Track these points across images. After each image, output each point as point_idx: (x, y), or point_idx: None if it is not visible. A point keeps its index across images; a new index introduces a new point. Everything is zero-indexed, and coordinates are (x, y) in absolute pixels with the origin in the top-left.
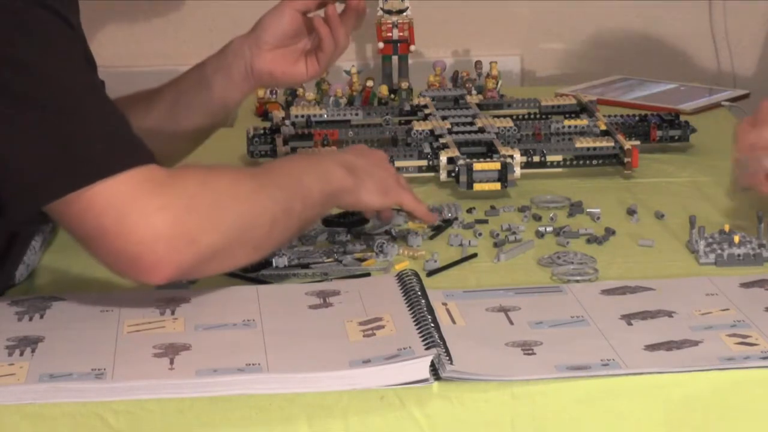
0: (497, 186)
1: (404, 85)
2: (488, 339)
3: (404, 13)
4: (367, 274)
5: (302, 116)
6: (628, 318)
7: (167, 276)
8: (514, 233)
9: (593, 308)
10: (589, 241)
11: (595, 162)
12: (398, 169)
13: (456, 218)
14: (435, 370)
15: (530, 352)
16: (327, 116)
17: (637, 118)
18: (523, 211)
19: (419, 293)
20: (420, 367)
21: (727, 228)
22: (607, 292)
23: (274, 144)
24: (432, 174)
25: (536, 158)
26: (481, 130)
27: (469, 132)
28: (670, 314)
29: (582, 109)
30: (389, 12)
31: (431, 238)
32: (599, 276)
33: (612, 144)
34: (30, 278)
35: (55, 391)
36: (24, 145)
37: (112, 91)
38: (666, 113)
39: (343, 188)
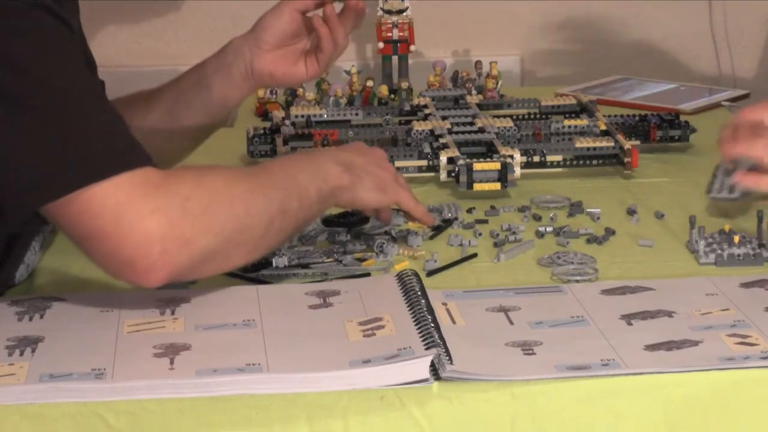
0: (497, 186)
1: (404, 85)
2: (488, 339)
3: (404, 13)
4: (367, 274)
5: (302, 116)
6: (628, 318)
7: (162, 278)
8: (514, 233)
9: (593, 308)
10: (589, 241)
11: (595, 162)
12: (398, 169)
13: (456, 218)
14: (435, 370)
15: (530, 352)
16: (327, 116)
17: (637, 118)
18: (523, 211)
19: (419, 293)
20: (420, 367)
21: (727, 228)
22: (607, 292)
23: (274, 144)
24: (432, 174)
25: (536, 158)
26: (481, 130)
27: (469, 132)
28: (670, 314)
29: (582, 109)
30: (389, 12)
31: (431, 238)
32: (599, 276)
33: (612, 144)
34: (30, 278)
35: (55, 391)
36: (20, 147)
37: (112, 91)
38: (666, 113)
39: (340, 186)
